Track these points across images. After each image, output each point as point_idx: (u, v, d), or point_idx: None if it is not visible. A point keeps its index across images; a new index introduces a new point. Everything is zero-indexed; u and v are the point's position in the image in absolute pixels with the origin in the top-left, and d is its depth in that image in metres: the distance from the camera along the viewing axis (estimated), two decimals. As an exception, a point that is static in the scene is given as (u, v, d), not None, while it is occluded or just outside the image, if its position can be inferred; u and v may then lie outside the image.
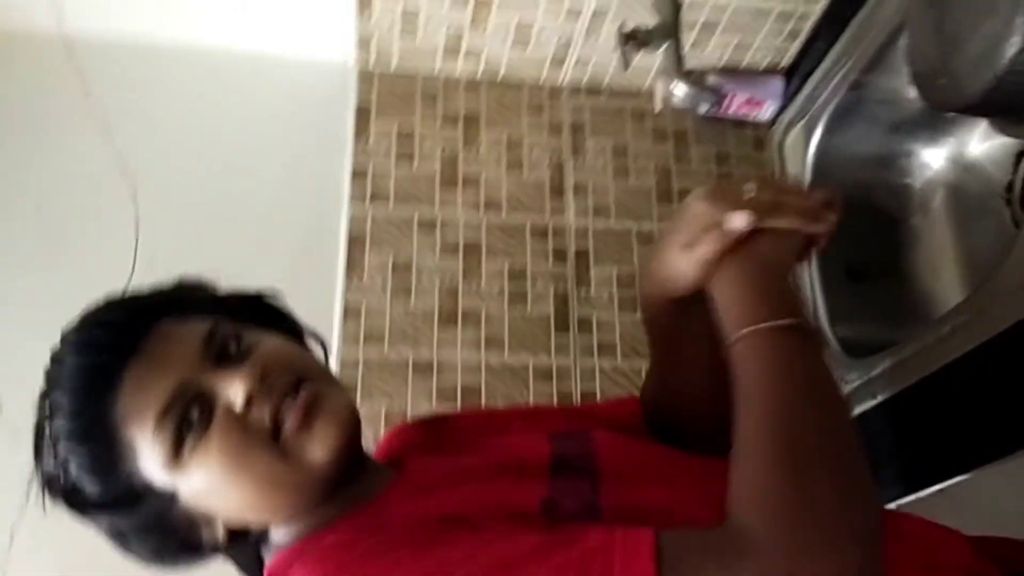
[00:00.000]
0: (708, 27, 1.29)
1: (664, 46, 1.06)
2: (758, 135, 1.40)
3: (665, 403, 0.79)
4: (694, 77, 1.05)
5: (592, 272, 1.29)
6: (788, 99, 1.34)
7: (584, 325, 1.25)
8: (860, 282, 1.22)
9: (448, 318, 1.22)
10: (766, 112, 1.37)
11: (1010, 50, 0.75)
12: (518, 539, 0.55)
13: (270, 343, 0.65)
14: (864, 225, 1.20)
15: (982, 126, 1.13)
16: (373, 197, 1.29)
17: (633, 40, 1.07)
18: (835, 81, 1.21)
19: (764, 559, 0.49)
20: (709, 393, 0.70)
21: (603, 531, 0.53)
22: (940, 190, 1.22)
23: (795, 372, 0.57)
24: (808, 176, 1.26)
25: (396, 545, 0.56)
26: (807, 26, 1.28)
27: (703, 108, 1.35)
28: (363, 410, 0.68)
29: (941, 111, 1.01)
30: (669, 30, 1.06)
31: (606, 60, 1.35)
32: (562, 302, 1.25)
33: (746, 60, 1.35)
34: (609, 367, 1.23)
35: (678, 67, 1.05)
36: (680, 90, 1.04)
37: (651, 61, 1.33)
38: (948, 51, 0.84)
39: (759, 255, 0.63)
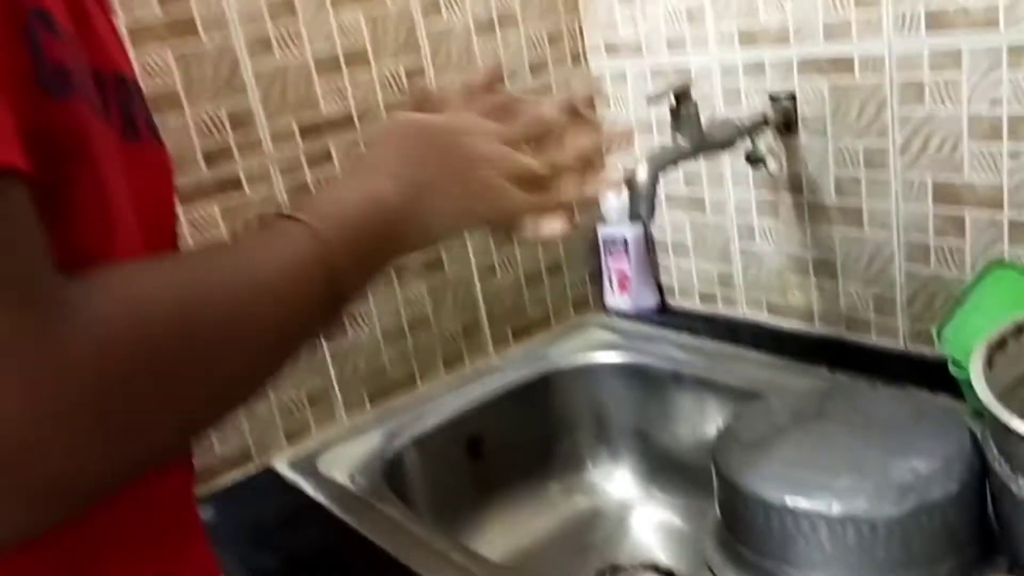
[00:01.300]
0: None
1: (681, 142, 0.86)
2: (584, 297, 1.23)
3: None
4: (649, 195, 0.85)
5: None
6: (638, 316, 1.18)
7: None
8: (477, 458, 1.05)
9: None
10: (619, 301, 1.21)
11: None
12: None
13: None
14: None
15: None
16: None
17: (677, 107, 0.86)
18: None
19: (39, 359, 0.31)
20: None
21: None
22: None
23: (293, 304, 0.43)
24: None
25: None
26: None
27: (608, 222, 1.19)
28: None
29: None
30: (698, 141, 0.87)
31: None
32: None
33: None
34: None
35: (662, 163, 0.85)
36: (634, 181, 0.84)
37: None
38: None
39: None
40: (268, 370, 0.43)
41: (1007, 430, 0.55)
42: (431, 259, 1.06)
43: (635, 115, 1.11)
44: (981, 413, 0.59)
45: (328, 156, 0.96)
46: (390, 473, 0.94)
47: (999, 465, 0.59)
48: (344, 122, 0.97)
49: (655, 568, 0.99)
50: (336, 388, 1.01)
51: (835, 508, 0.60)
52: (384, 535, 0.80)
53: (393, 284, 1.04)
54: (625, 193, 0.86)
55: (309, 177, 0.95)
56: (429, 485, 1.00)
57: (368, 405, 1.04)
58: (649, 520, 1.05)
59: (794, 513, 0.62)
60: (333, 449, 0.98)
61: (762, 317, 1.07)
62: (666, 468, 1.06)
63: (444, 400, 1.05)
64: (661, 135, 1.07)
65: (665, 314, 1.18)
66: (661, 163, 0.85)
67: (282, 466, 0.95)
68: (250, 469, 0.95)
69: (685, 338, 1.10)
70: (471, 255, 1.09)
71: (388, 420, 1.02)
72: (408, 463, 0.98)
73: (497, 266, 1.12)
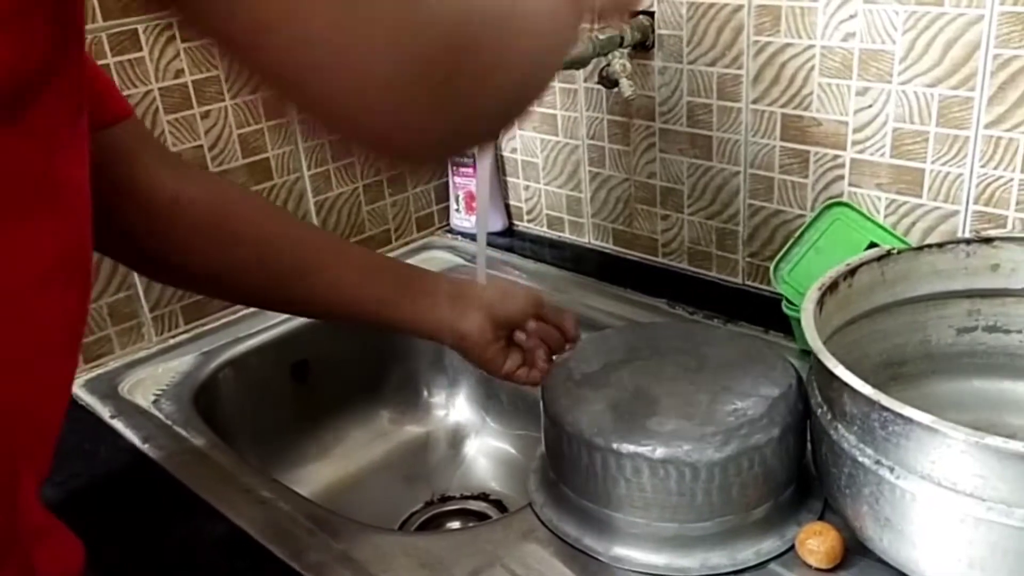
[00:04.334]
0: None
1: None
2: (428, 216, 1.17)
3: None
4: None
5: None
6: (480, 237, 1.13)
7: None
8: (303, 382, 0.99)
9: None
10: (465, 222, 1.15)
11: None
12: None
13: None
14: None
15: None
16: None
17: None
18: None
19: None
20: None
21: None
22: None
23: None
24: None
25: None
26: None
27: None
28: None
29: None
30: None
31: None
32: None
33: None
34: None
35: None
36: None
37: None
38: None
39: None
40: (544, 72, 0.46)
41: (831, 376, 0.54)
42: (255, 162, 0.96)
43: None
44: (809, 352, 0.57)
45: None
46: (201, 398, 0.86)
47: (821, 410, 0.58)
48: None
49: (485, 498, 0.97)
50: (143, 303, 0.91)
51: (659, 452, 0.58)
52: (185, 467, 0.73)
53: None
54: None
55: None
56: (247, 411, 0.93)
57: (182, 323, 0.95)
58: (483, 450, 1.02)
59: (618, 455, 0.59)
60: (138, 371, 0.89)
61: (608, 246, 1.04)
62: (503, 397, 1.03)
63: (269, 320, 0.97)
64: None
65: (512, 238, 1.14)
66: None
67: (76, 387, 0.86)
68: (39, 391, 0.85)
69: (530, 264, 1.06)
70: (302, 159, 1.00)
71: (205, 340, 0.94)
72: (224, 387, 0.91)
73: (332, 174, 1.04)
